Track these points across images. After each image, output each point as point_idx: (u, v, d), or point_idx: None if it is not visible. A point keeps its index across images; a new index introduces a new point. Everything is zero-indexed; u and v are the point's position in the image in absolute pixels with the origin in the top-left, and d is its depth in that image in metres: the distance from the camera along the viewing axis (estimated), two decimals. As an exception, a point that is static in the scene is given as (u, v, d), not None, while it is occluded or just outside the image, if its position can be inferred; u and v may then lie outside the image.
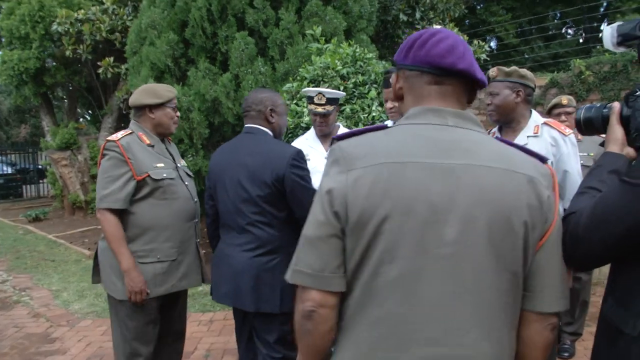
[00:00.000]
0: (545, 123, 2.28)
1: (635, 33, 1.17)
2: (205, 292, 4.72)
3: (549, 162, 1.09)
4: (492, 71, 2.34)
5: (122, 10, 7.78)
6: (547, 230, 0.98)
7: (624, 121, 1.21)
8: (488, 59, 8.46)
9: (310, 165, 2.96)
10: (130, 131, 2.45)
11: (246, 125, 2.33)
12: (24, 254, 7.26)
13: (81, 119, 14.41)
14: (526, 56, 14.47)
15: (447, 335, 0.91)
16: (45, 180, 13.20)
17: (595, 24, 13.05)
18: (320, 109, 2.80)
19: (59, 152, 10.21)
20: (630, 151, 1.18)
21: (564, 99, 3.24)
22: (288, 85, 4.54)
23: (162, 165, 2.41)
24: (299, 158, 2.18)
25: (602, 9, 14.05)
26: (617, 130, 1.20)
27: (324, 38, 4.92)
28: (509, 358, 0.98)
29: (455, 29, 8.64)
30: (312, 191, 2.08)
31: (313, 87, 4.22)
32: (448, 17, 9.19)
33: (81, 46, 8.04)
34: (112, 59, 7.78)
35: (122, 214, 2.32)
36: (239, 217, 2.19)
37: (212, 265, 2.37)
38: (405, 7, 8.17)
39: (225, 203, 2.25)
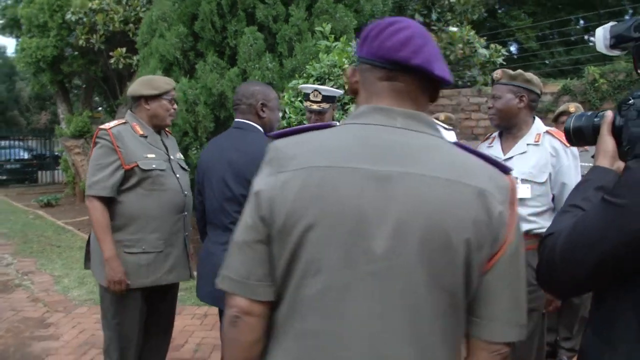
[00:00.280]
0: (547, 132, 2.20)
1: (630, 34, 1.06)
2: (202, 286, 4.72)
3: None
4: (497, 73, 2.25)
5: (136, 1, 7.84)
6: (497, 250, 0.87)
7: (616, 132, 1.10)
8: (504, 63, 8.29)
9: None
10: (124, 121, 2.45)
11: (235, 120, 2.29)
12: (32, 238, 7.36)
13: (99, 108, 14.61)
14: (546, 62, 14.24)
15: (374, 358, 0.83)
16: (59, 167, 13.41)
17: (618, 32, 12.74)
18: (315, 106, 2.76)
19: (73, 140, 10.36)
20: (621, 165, 1.06)
21: (572, 107, 3.13)
22: (294, 82, 4.50)
23: (152, 156, 2.40)
24: None
25: (627, 16, 13.76)
26: (607, 142, 1.09)
27: (333, 36, 4.88)
28: None
29: (472, 32, 8.52)
30: None
31: (318, 85, 4.18)
32: (465, 19, 9.06)
33: (94, 36, 8.13)
34: (124, 49, 7.85)
35: (110, 203, 2.32)
36: (223, 216, 2.16)
37: (198, 262, 2.35)
38: (421, 8, 8.07)
39: (211, 200, 2.22)
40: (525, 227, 2.07)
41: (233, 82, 5.11)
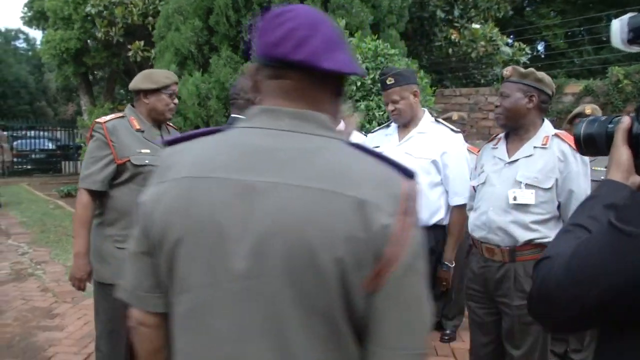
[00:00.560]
0: (556, 135, 2.05)
1: None
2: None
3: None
4: (507, 70, 2.12)
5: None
6: (382, 269, 0.75)
7: (634, 141, 0.94)
8: (528, 62, 8.06)
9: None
10: (122, 115, 2.43)
11: (232, 116, 2.23)
12: (49, 227, 7.49)
13: (124, 101, 14.81)
14: (575, 61, 13.84)
15: None
16: (80, 158, 13.66)
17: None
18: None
19: (93, 132, 10.49)
20: (637, 180, 0.92)
21: (588, 109, 2.97)
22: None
23: (147, 151, 2.36)
24: None
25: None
26: (622, 152, 0.93)
27: (348, 31, 4.80)
28: None
29: (495, 29, 8.31)
30: None
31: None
32: (490, 16, 8.83)
33: (113, 29, 8.20)
34: (142, 42, 7.89)
35: (102, 197, 2.30)
36: None
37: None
38: (443, 4, 7.89)
39: None
40: (527, 236, 1.97)
41: (246, 77, 5.07)
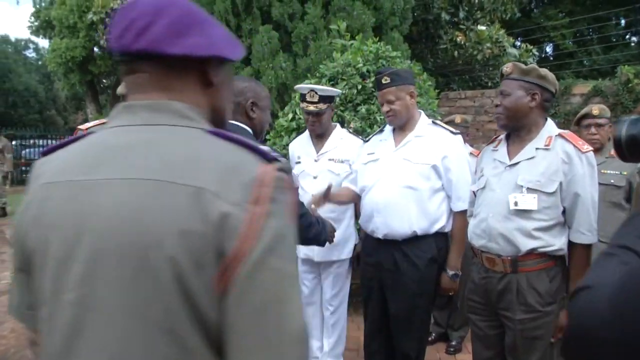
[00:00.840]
0: (560, 135, 1.92)
1: None
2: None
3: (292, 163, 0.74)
4: (507, 67, 1.98)
5: (158, 1, 7.88)
6: (228, 267, 0.65)
7: None
8: (535, 64, 7.90)
9: (299, 168, 2.77)
10: (105, 121, 2.35)
11: None
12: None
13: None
14: (585, 62, 13.65)
15: None
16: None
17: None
18: (312, 107, 2.58)
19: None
20: None
21: (595, 109, 2.83)
22: (306, 82, 4.36)
23: None
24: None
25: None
26: None
27: (349, 34, 4.71)
28: None
29: (502, 31, 8.18)
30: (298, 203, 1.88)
31: (331, 85, 4.01)
32: (496, 17, 8.70)
33: (117, 36, 8.21)
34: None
35: None
36: None
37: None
38: (448, 6, 7.78)
39: None
40: (529, 244, 1.83)
41: (246, 82, 5.00)
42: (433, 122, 2.35)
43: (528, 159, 1.91)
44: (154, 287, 0.65)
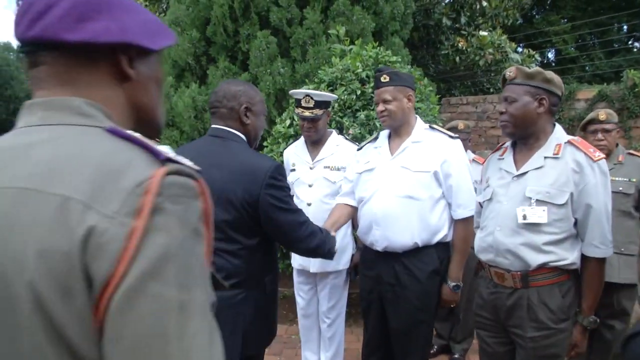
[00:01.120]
0: (569, 142, 1.80)
1: None
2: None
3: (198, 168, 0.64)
4: (510, 71, 1.86)
5: (154, 7, 7.80)
6: (104, 295, 0.53)
7: None
8: (538, 69, 7.80)
9: (294, 176, 2.66)
10: None
11: (213, 127, 1.93)
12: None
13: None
14: (587, 68, 13.56)
15: None
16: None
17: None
18: (307, 113, 2.48)
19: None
20: None
21: (602, 114, 2.72)
22: (304, 88, 4.27)
23: None
24: (278, 175, 1.74)
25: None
26: None
27: (348, 39, 4.63)
28: None
29: (504, 36, 8.10)
30: (293, 213, 1.75)
31: (330, 91, 3.93)
32: (497, 23, 8.62)
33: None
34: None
35: None
36: None
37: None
38: (449, 12, 7.70)
39: None
40: (540, 259, 1.72)
41: (244, 88, 4.91)
42: (430, 126, 2.23)
43: (536, 168, 1.79)
44: (17, 322, 0.53)
